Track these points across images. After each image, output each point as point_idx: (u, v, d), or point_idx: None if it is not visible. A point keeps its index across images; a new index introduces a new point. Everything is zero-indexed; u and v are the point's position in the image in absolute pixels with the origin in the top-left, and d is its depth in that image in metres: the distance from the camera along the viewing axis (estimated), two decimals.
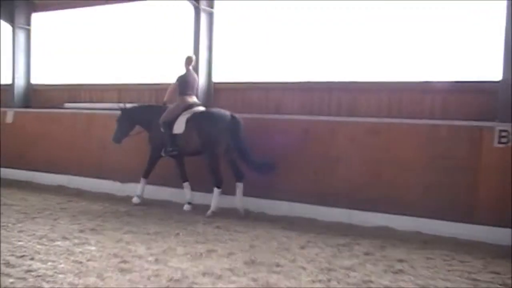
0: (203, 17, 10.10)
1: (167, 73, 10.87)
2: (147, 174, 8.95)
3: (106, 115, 10.49)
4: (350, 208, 7.85)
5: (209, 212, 8.12)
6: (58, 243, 6.18)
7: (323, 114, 9.01)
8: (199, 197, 8.82)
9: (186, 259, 5.64)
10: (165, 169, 9.12)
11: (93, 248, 5.98)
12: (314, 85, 9.23)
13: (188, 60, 8.82)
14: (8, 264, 5.22)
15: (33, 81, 13.04)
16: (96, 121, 10.63)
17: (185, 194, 8.82)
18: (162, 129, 8.61)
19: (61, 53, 12.79)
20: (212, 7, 10.23)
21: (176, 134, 8.49)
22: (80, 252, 5.79)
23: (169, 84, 9.04)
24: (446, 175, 7.25)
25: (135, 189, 9.21)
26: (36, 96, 13.00)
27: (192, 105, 8.61)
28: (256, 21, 10.03)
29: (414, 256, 6.09)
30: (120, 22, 11.81)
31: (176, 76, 8.81)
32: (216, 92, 10.26)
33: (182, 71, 8.82)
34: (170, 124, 8.52)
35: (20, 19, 12.87)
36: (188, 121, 8.41)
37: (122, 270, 5.15)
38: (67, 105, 12.04)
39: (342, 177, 8.01)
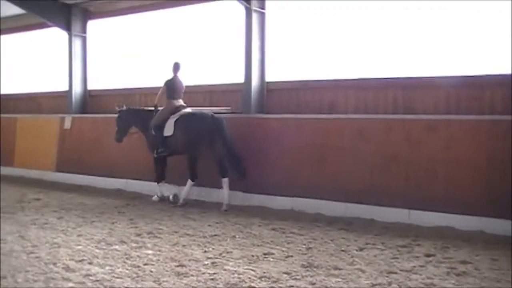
0: (255, 18, 10.09)
1: (220, 74, 10.95)
2: (160, 177, 9.70)
3: None
4: (409, 208, 7.63)
5: (181, 201, 9.11)
6: (116, 247, 6.27)
7: (378, 112, 8.84)
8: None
9: (243, 263, 5.61)
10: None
11: (150, 252, 6.04)
12: (369, 82, 9.05)
13: (176, 66, 9.55)
14: (67, 269, 5.32)
15: (90, 87, 13.38)
16: None
17: (161, 191, 9.66)
18: (153, 132, 9.39)
19: (117, 59, 13.08)
20: (263, 8, 10.21)
21: (166, 136, 9.23)
22: (138, 256, 5.85)
23: (221, 86, 9.46)
24: (509, 172, 6.93)
25: (191, 191, 9.32)
26: (93, 101, 13.35)
27: (178, 108, 9.38)
28: (307, 20, 9.93)
29: (478, 257, 5.85)
30: (172, 26, 11.95)
31: (164, 81, 9.50)
32: (269, 92, 10.23)
33: (169, 76, 9.50)
34: (160, 127, 9.28)
35: (76, 27, 13.23)
36: (175, 123, 9.17)
37: (179, 274, 5.17)
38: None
39: (398, 176, 7.80)
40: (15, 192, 10.56)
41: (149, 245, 6.37)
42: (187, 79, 9.81)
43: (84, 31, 13.36)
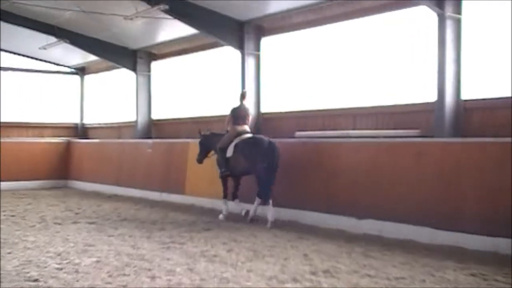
0: (449, 25, 9.64)
1: (411, 92, 10.64)
2: (226, 194, 11.48)
3: (337, 144, 10.57)
4: None
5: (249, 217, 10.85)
6: (288, 285, 6.25)
7: None
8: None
9: None
10: (406, 203, 8.79)
11: None
12: None
13: (242, 95, 11.46)
14: None
15: (263, 109, 13.79)
16: (326, 150, 10.71)
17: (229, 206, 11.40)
18: (218, 154, 11.32)
19: (290, 77, 13.37)
20: (459, 13, 9.73)
21: (228, 158, 11.04)
22: None
23: (406, 106, 10.16)
24: None
25: (373, 226, 9.20)
26: (266, 125, 13.69)
27: (241, 133, 11.10)
28: None
29: None
30: (349, 39, 11.94)
31: (231, 108, 11.33)
32: (467, 112, 9.69)
33: (236, 103, 11.36)
34: (224, 149, 11.14)
35: (249, 45, 13.77)
36: (235, 146, 10.94)
37: None
38: (297, 134, 12.41)
39: None
40: (185, 221, 11.13)
41: (325, 285, 6.25)
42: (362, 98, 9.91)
43: (257, 49, 13.86)
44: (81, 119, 22.10)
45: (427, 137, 9.80)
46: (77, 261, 7.43)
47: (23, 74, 20.81)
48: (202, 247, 8.40)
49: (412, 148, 9.30)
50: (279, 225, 10.50)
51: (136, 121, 18.06)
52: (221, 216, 11.35)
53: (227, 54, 14.67)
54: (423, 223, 8.74)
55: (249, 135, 11.14)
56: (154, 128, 18.07)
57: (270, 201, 10.46)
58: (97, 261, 7.41)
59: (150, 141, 16.29)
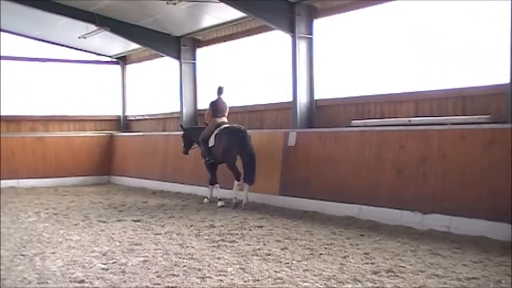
0: None
1: (480, 73, 10.42)
2: (212, 180, 13.56)
3: (401, 133, 10.44)
4: None
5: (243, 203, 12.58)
6: (349, 286, 6.21)
7: None
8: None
9: None
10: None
11: None
12: None
13: (219, 90, 13.53)
14: None
15: (317, 96, 13.70)
16: (390, 140, 10.61)
17: (217, 193, 13.40)
18: (201, 145, 13.53)
19: (345, 62, 13.24)
20: None
21: (210, 147, 13.12)
22: None
23: (476, 89, 10.04)
24: None
25: (440, 222, 9.17)
26: (320, 113, 13.62)
27: (220, 124, 13.18)
28: None
29: None
30: (405, 19, 11.75)
31: (210, 102, 13.59)
32: None
33: (214, 97, 13.54)
34: (206, 140, 13.25)
35: (301, 28, 13.67)
36: (215, 136, 13.01)
37: None
38: (354, 122, 12.30)
39: None
40: (235, 218, 11.20)
41: (388, 286, 6.20)
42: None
43: (310, 32, 13.74)
44: (124, 111, 22.39)
45: (499, 123, 9.55)
46: (123, 260, 7.55)
47: (62, 65, 21.16)
48: (254, 245, 8.44)
49: (482, 135, 9.12)
50: (337, 222, 10.46)
51: (181, 112, 18.20)
52: (205, 200, 13.60)
53: (277, 38, 14.60)
54: (498, 218, 8.54)
55: (225, 125, 13.20)
56: (201, 119, 18.04)
57: (248, 187, 12.52)
58: (144, 261, 7.51)
59: None
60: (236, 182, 12.73)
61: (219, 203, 12.90)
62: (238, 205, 12.54)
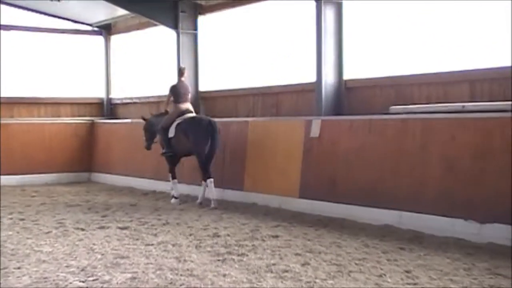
0: None
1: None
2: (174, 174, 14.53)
3: (452, 122, 10.40)
4: None
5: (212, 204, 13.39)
6: None
7: None
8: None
9: None
10: None
11: None
12: None
13: (180, 72, 14.54)
14: None
15: (346, 76, 13.63)
16: (437, 130, 10.57)
17: (175, 188, 14.48)
18: (160, 134, 14.40)
19: (379, 35, 13.18)
20: None
21: (170, 138, 14.00)
22: None
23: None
24: None
25: (501, 233, 9.12)
26: (349, 96, 13.56)
27: (184, 112, 14.15)
28: None
29: None
30: None
31: (168, 87, 14.52)
32: None
33: (174, 81, 14.59)
34: (166, 129, 14.06)
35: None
36: (177, 126, 13.91)
37: None
38: (393, 108, 12.24)
39: None
40: (245, 225, 11.20)
41: None
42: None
43: None
44: (107, 93, 22.35)
45: None
46: (106, 277, 7.54)
47: (31, 35, 20.98)
48: (268, 260, 8.43)
49: None
50: (371, 232, 10.43)
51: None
52: (173, 201, 14.30)
53: (298, 4, 14.53)
54: None
55: (191, 114, 14.24)
56: (203, 103, 18.06)
57: (212, 181, 13.49)
58: (133, 278, 7.51)
59: None
60: (204, 182, 13.78)
61: (173, 201, 14.25)
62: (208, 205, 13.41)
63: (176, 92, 14.32)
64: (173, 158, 14.40)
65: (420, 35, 12.43)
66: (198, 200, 13.86)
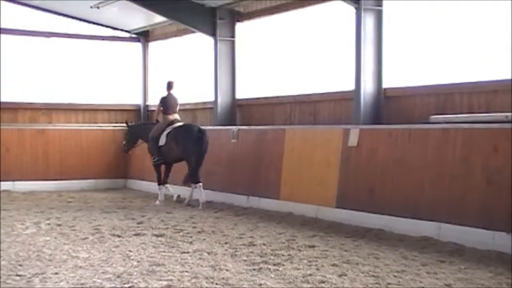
0: None
1: None
2: (160, 181, 16.33)
3: (494, 132, 10.31)
4: None
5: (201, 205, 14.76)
6: None
7: None
8: None
9: None
10: None
11: None
12: None
13: (169, 85, 16.14)
14: None
15: (385, 84, 13.56)
16: (480, 140, 10.46)
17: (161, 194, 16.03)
18: (150, 143, 15.96)
19: (420, 43, 13.09)
20: None
21: (160, 146, 15.55)
22: None
23: None
24: None
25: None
26: (389, 105, 13.48)
27: (172, 122, 15.77)
28: None
29: None
30: None
31: (159, 98, 16.30)
32: None
33: (164, 94, 16.23)
34: (156, 138, 15.68)
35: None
36: (167, 135, 15.47)
37: None
38: (434, 117, 12.15)
39: None
40: (281, 234, 11.17)
41: None
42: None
43: (380, 3, 13.63)
44: (144, 99, 22.62)
45: None
46: (142, 285, 7.57)
47: (70, 42, 21.29)
48: (304, 270, 8.40)
49: None
50: (410, 243, 10.34)
51: (215, 102, 18.20)
52: (157, 202, 15.77)
53: (337, 11, 14.50)
54: None
55: (180, 123, 15.85)
56: (239, 111, 18.18)
57: (201, 184, 14.82)
58: (168, 286, 7.53)
59: (234, 128, 16.46)
60: (193, 185, 15.21)
61: (175, 197, 16.22)
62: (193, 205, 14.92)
63: (166, 103, 16.04)
64: (161, 165, 16.08)
65: (461, 42, 12.33)
66: (186, 201, 15.42)
